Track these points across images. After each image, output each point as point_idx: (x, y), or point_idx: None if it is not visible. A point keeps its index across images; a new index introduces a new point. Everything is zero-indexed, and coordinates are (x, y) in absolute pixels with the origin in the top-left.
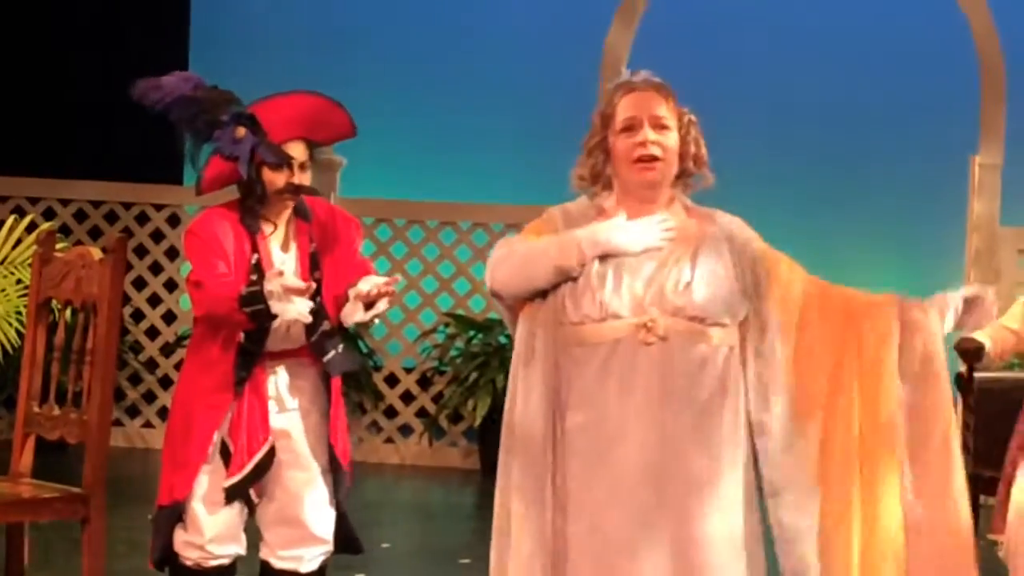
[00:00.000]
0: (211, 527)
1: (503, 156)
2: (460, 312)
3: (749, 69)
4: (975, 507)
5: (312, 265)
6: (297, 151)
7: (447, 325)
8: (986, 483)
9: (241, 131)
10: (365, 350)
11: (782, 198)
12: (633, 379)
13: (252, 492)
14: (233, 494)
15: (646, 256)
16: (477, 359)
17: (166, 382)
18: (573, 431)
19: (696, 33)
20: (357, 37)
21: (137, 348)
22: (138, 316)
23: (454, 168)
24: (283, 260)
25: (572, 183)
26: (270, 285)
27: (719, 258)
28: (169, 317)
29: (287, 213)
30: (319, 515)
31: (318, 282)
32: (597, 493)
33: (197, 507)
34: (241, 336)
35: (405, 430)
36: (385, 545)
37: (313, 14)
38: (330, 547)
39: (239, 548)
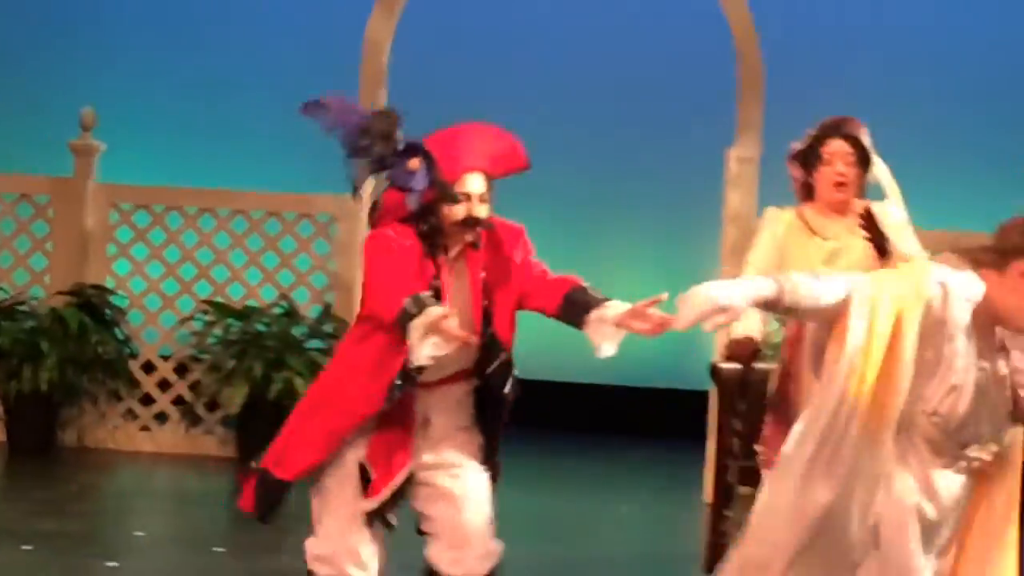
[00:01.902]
0: (346, 547)
1: (263, 144)
2: (218, 300)
3: (510, 65)
4: (729, 496)
5: (484, 295)
6: (476, 184)
7: (205, 313)
8: (741, 473)
9: (415, 162)
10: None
11: (543, 192)
12: None
13: (391, 515)
14: (373, 518)
15: None
16: (235, 347)
17: None
18: None
19: (460, 28)
20: (118, 21)
21: None
22: None
23: (214, 155)
24: (459, 288)
25: None
26: (425, 318)
27: None
28: None
29: (461, 245)
30: (480, 523)
31: (488, 311)
32: None
33: (332, 525)
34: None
35: (161, 418)
36: (139, 533)
37: None
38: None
39: (374, 568)
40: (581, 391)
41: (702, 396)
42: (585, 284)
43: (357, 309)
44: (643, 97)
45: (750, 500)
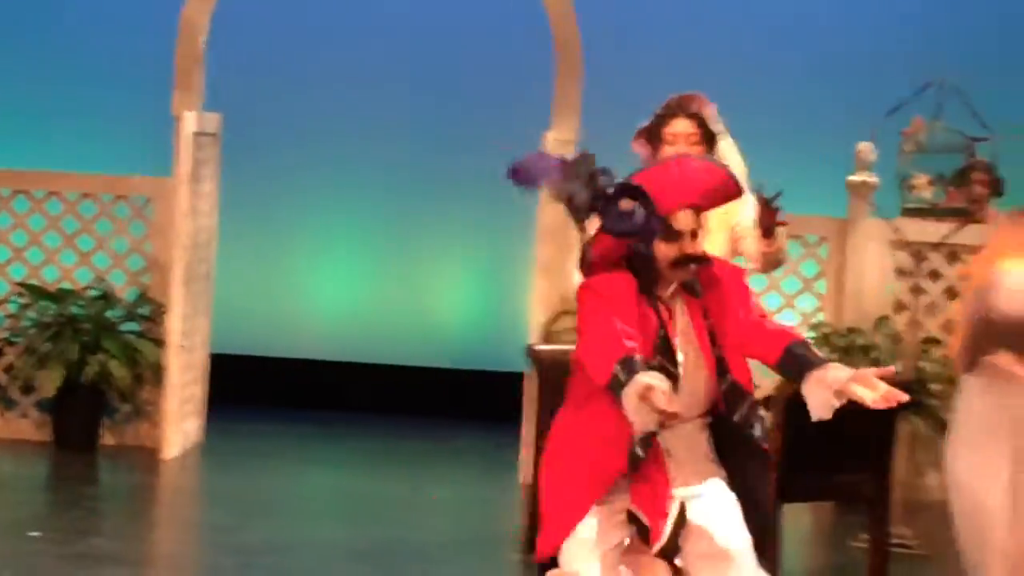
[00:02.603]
0: None
1: (78, 125)
2: (33, 282)
3: (328, 45)
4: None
5: (713, 342)
6: (688, 220)
7: (19, 295)
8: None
9: (628, 203)
10: None
11: (364, 175)
12: None
13: (677, 557)
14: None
15: None
16: (50, 330)
17: None
18: None
19: (276, 9)
20: None
21: None
22: None
23: (28, 136)
24: (687, 337)
25: None
26: (635, 387)
27: None
28: None
29: (675, 285)
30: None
31: (721, 359)
32: None
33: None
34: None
35: None
36: None
37: None
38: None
39: None
40: (400, 373)
41: (520, 379)
42: (805, 338)
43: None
44: (460, 80)
45: None
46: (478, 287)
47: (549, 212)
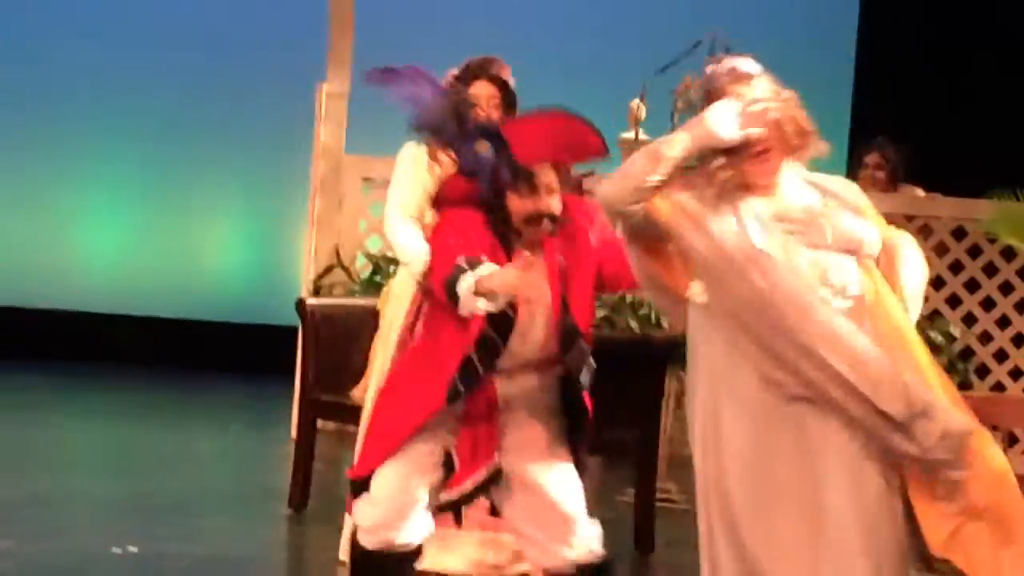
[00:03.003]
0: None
1: None
2: None
3: None
4: (312, 431)
5: (561, 283)
6: (547, 175)
7: None
8: (321, 407)
9: (483, 146)
10: None
11: (134, 126)
12: None
13: (465, 508)
14: (446, 508)
15: None
16: None
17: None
18: None
19: None
20: None
21: None
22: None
23: None
24: (535, 276)
25: None
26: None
27: None
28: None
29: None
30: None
31: (565, 299)
32: None
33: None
34: (471, 346)
35: None
36: None
37: None
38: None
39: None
40: (170, 326)
41: (292, 333)
42: None
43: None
44: (233, 30)
45: (333, 435)
46: (249, 240)
47: (323, 165)
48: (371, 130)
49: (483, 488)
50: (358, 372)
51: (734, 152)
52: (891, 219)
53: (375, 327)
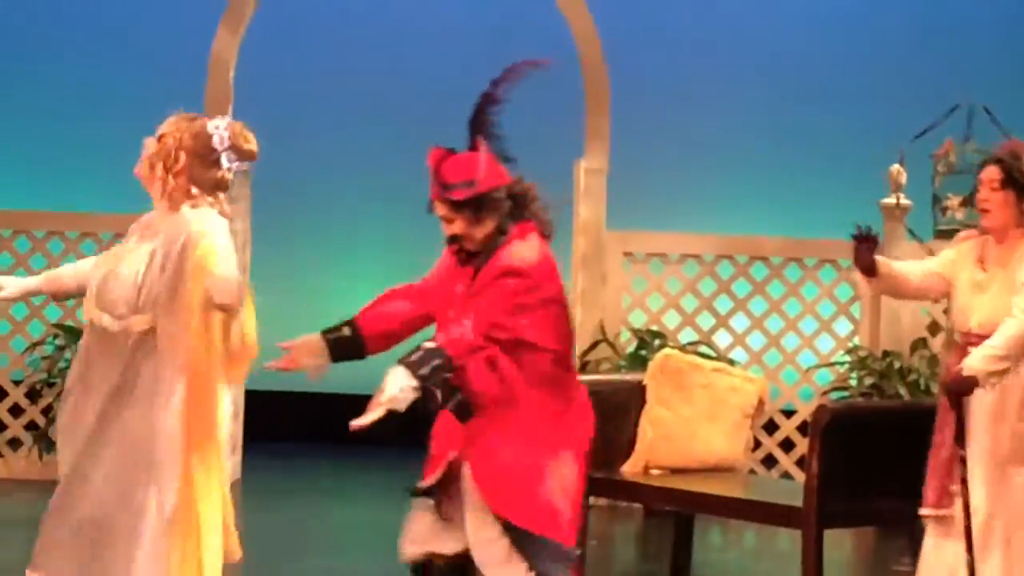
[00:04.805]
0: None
1: (112, 165)
2: (69, 324)
3: (356, 67)
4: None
5: (456, 308)
6: (440, 208)
7: (55, 336)
8: (592, 483)
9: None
10: None
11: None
12: None
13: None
14: (416, 495)
15: None
16: None
17: None
18: None
19: (306, 34)
20: None
21: None
22: None
23: (63, 178)
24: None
25: None
26: None
27: None
28: None
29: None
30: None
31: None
32: None
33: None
34: None
35: (14, 443)
36: None
37: None
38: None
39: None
40: None
41: None
42: (434, 347)
43: None
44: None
45: (604, 511)
46: None
47: (583, 242)
48: (630, 206)
49: (449, 480)
50: (627, 447)
51: None
52: None
53: (642, 402)
